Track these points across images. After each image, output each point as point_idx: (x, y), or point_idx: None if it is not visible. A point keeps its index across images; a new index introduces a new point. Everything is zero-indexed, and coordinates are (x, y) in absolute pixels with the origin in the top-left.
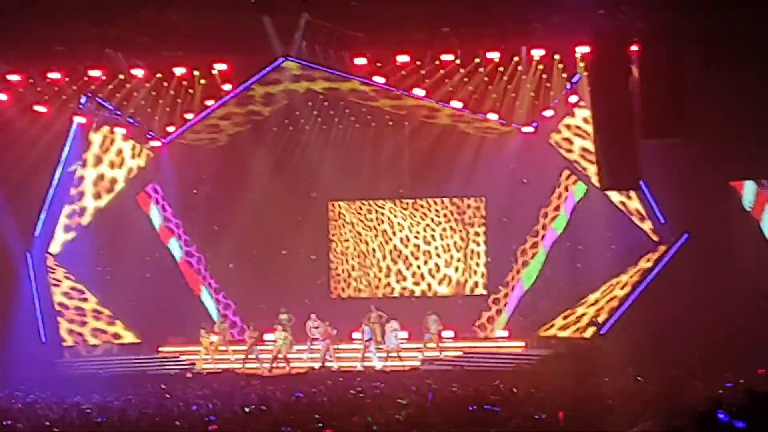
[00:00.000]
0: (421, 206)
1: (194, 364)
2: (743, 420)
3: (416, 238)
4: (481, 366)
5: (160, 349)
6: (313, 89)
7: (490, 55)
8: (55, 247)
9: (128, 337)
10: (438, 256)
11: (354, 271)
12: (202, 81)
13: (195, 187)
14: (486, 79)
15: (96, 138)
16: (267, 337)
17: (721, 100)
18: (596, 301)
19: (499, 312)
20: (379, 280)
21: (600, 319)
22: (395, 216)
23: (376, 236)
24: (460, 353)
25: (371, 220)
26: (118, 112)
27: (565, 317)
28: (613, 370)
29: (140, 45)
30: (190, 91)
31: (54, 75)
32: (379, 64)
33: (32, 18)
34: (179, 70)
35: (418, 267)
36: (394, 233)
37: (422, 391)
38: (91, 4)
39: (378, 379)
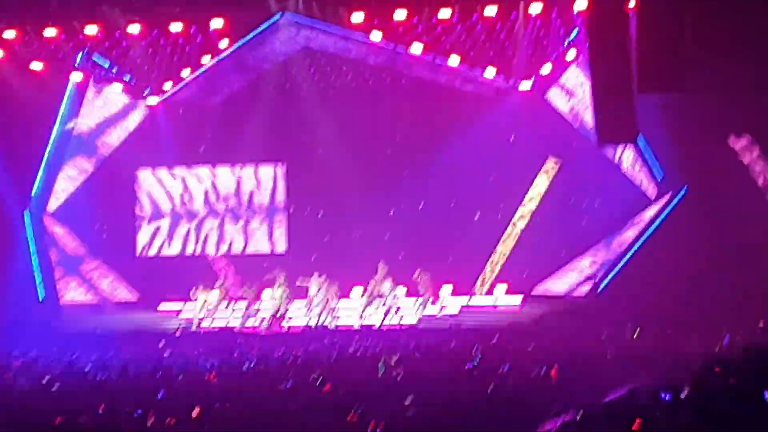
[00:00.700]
0: None
1: (191, 322)
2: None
3: None
4: (478, 323)
5: (159, 307)
6: (310, 46)
7: (487, 11)
8: (52, 206)
9: (126, 296)
10: None
11: None
12: (199, 38)
13: (191, 144)
14: (483, 36)
15: (92, 94)
16: (265, 294)
17: (721, 53)
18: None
19: (492, 272)
20: None
21: (597, 277)
22: None
23: None
24: (457, 310)
25: None
26: (114, 70)
27: (562, 273)
28: (611, 327)
29: (136, 1)
30: (187, 48)
31: (50, 32)
32: (376, 21)
33: None
34: (176, 27)
35: None
36: None
37: (420, 348)
38: None
39: (375, 337)
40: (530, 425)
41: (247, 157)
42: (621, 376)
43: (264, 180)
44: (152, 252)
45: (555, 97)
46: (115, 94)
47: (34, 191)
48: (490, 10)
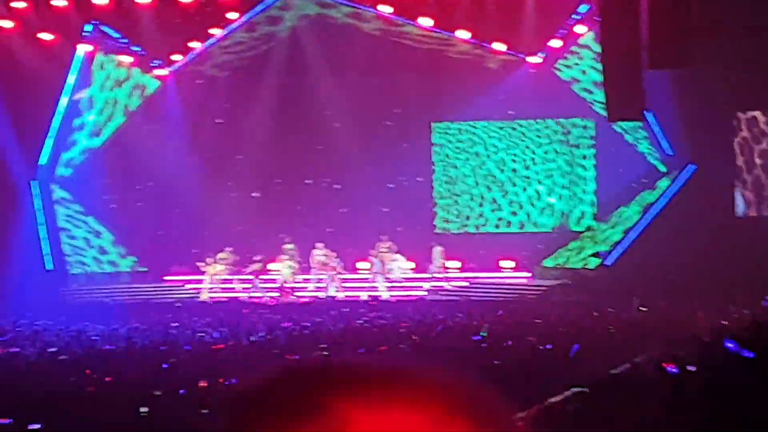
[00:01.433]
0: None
1: (197, 292)
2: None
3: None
4: (486, 297)
5: (165, 277)
6: (320, 18)
7: None
8: (60, 175)
9: (133, 266)
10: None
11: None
12: (208, 8)
13: (200, 115)
14: (493, 8)
15: (101, 66)
16: (271, 266)
17: (730, 30)
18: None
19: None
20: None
21: (604, 251)
22: None
23: None
24: (466, 284)
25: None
26: (124, 40)
27: (571, 248)
28: (618, 301)
29: None
30: (196, 19)
31: (59, 2)
32: None
33: None
34: None
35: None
36: None
37: (428, 322)
38: None
39: (383, 309)
40: (536, 398)
41: (257, 127)
42: (627, 350)
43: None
44: (161, 223)
45: (564, 70)
46: (124, 65)
47: (42, 161)
48: None
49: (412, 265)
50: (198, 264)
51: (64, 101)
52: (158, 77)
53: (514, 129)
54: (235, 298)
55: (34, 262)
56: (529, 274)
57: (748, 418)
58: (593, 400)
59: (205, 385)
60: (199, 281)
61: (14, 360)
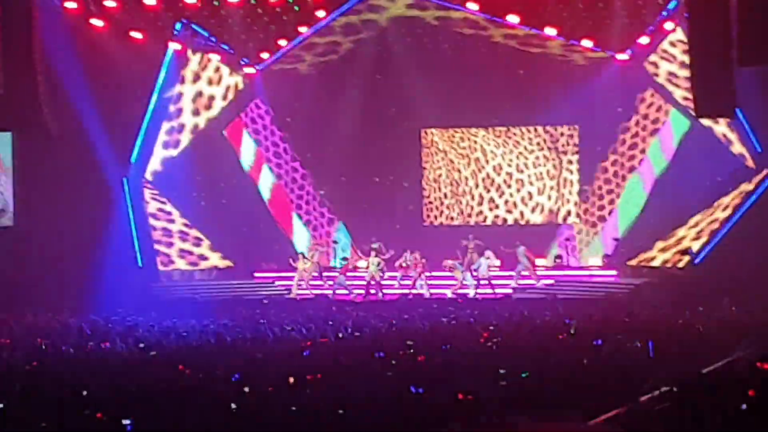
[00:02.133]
0: (514, 134)
1: (287, 289)
2: None
3: (509, 166)
4: (573, 295)
5: (255, 274)
6: (406, 15)
7: None
8: (151, 173)
9: (223, 263)
10: (531, 184)
11: (447, 199)
12: (296, 7)
13: (288, 114)
14: (581, 5)
15: (192, 64)
16: (360, 263)
17: None
18: (696, 224)
19: (590, 241)
20: (472, 208)
21: (694, 249)
22: (488, 144)
23: (468, 164)
24: (552, 282)
25: (464, 148)
26: (213, 39)
27: (659, 246)
28: (708, 300)
29: None
30: (284, 17)
31: (149, 1)
32: None
33: None
34: None
35: (511, 195)
36: (487, 161)
37: (513, 319)
38: None
39: (470, 307)
40: (626, 397)
41: (344, 125)
42: (718, 349)
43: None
44: (251, 219)
45: (653, 67)
46: (213, 63)
47: (133, 158)
48: None
49: (498, 262)
50: (290, 260)
51: (154, 98)
52: (246, 75)
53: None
54: (323, 295)
55: (125, 258)
56: (616, 272)
57: None
58: (683, 399)
59: (294, 381)
60: (289, 278)
61: (106, 356)
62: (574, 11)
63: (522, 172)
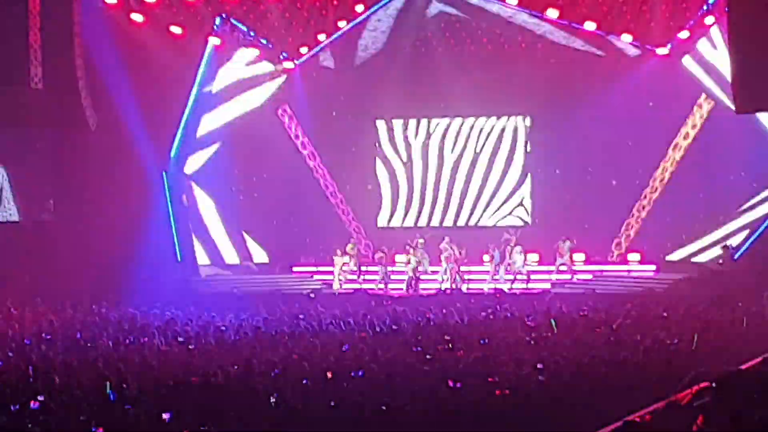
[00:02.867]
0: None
1: (326, 284)
2: None
3: None
4: (611, 289)
5: (294, 268)
6: (446, 11)
7: None
8: (190, 167)
9: (262, 257)
10: None
11: None
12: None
13: (328, 109)
14: (620, 1)
15: (232, 58)
16: (399, 258)
17: None
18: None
19: (629, 236)
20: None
21: (733, 244)
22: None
23: None
24: (590, 276)
25: None
26: (252, 33)
27: (699, 242)
28: (747, 296)
29: None
30: (323, 12)
31: None
32: None
33: None
34: None
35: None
36: None
37: (552, 314)
38: None
39: (508, 302)
40: (664, 392)
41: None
42: (757, 345)
43: (399, 143)
44: (288, 215)
45: (692, 62)
46: (252, 58)
47: (172, 153)
48: None
49: (536, 257)
50: (331, 256)
51: (194, 93)
52: (285, 70)
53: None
54: (362, 289)
55: (164, 252)
56: (655, 268)
57: None
58: (721, 395)
59: (332, 376)
60: (328, 272)
61: (145, 350)
62: (613, 6)
63: None
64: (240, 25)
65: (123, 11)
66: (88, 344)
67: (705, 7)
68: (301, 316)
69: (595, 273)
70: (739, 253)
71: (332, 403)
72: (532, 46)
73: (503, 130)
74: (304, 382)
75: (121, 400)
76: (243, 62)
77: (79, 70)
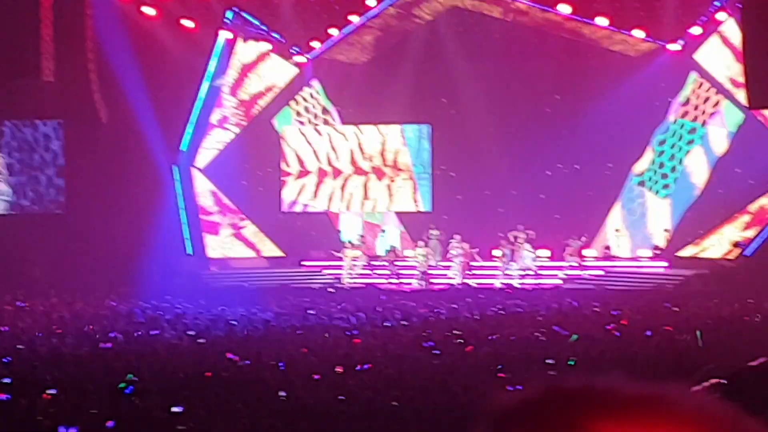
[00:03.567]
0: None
1: (338, 278)
2: None
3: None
4: (622, 286)
5: (303, 263)
6: (459, 6)
7: None
8: (201, 161)
9: (272, 251)
10: None
11: None
12: None
13: (338, 104)
14: None
15: (243, 52)
16: (409, 253)
17: None
18: (748, 216)
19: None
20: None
21: (744, 241)
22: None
23: None
24: (602, 272)
25: None
26: (264, 27)
27: (710, 238)
28: (758, 292)
29: None
30: (335, 7)
31: None
32: None
33: None
34: None
35: None
36: None
37: (563, 309)
38: None
39: (518, 297)
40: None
41: (393, 116)
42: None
43: (409, 139)
44: (298, 208)
45: (704, 58)
46: (263, 52)
47: (183, 146)
48: None
49: (548, 253)
50: (340, 250)
51: (204, 87)
52: (297, 64)
53: None
54: (372, 283)
55: (175, 246)
56: (666, 264)
57: None
58: (730, 392)
59: (342, 370)
60: (337, 267)
61: (155, 343)
62: (625, 1)
63: None
64: (251, 19)
65: (135, 4)
66: (99, 337)
67: (717, 3)
68: (311, 311)
69: (606, 269)
70: (750, 248)
71: (341, 398)
72: (544, 42)
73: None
74: (314, 376)
75: (133, 393)
76: (255, 55)
77: (90, 64)
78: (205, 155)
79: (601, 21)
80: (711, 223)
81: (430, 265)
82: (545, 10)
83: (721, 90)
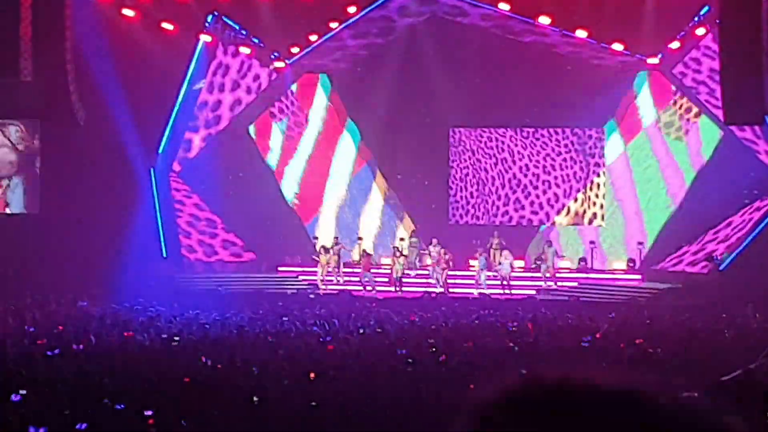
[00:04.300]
0: (542, 135)
1: (311, 284)
2: None
3: (535, 167)
4: (596, 298)
5: (279, 268)
6: (438, 14)
7: None
8: (178, 164)
9: (247, 256)
10: (557, 186)
11: (472, 199)
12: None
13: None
14: (612, 8)
15: (222, 56)
16: (384, 260)
17: None
18: (723, 230)
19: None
20: (498, 208)
21: (719, 256)
22: (515, 145)
23: (495, 164)
24: (575, 284)
25: (491, 147)
26: (243, 32)
27: (685, 252)
28: (731, 307)
29: None
30: (315, 13)
31: None
32: None
33: None
34: None
35: (537, 196)
36: (514, 162)
37: (537, 321)
38: None
39: (493, 307)
40: None
41: (370, 124)
42: (740, 356)
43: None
44: (275, 214)
45: (683, 72)
46: (243, 57)
47: (160, 149)
48: None
49: (521, 263)
50: (313, 256)
51: (183, 90)
52: (276, 69)
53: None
54: (347, 290)
55: (150, 249)
56: (640, 277)
57: None
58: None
59: (314, 376)
60: (313, 273)
61: (128, 346)
62: (605, 14)
63: (549, 174)
64: (232, 23)
65: (115, 6)
66: (71, 339)
67: (696, 18)
68: (285, 318)
69: (580, 281)
70: (724, 263)
71: (314, 404)
72: (523, 53)
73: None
74: (287, 382)
75: (103, 395)
76: (234, 60)
77: (69, 64)
78: (182, 158)
79: (581, 33)
80: (686, 237)
81: (405, 273)
82: (525, 21)
83: (698, 105)
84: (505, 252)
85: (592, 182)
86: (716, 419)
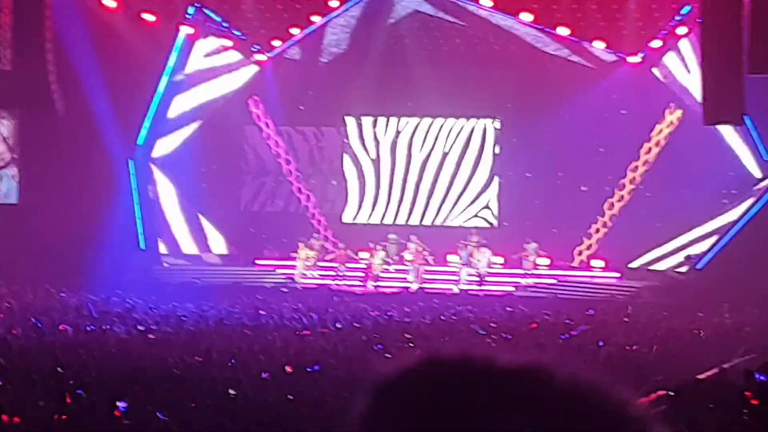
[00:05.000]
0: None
1: (291, 278)
2: None
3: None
4: (574, 295)
5: (257, 261)
6: (421, 10)
7: None
8: (157, 155)
9: (226, 249)
10: None
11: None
12: None
13: (299, 102)
14: (594, 6)
15: (203, 48)
16: (363, 255)
17: None
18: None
19: (592, 244)
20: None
21: (694, 254)
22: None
23: None
24: (554, 281)
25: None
26: (225, 24)
27: (662, 250)
28: (708, 305)
29: None
30: (297, 6)
31: None
32: None
33: None
34: None
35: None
36: None
37: (516, 317)
38: None
39: (471, 303)
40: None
41: (353, 114)
42: (716, 355)
43: (367, 140)
44: (255, 208)
45: (663, 71)
46: (224, 49)
47: (140, 140)
48: None
49: (501, 260)
50: (292, 250)
51: (163, 82)
52: (257, 62)
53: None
54: (325, 284)
55: (128, 240)
56: (618, 275)
57: None
58: (679, 403)
59: (291, 370)
60: (291, 267)
61: (104, 337)
62: (587, 12)
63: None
64: (213, 15)
65: None
66: (47, 329)
67: (678, 18)
68: (262, 311)
69: (559, 278)
70: (701, 262)
71: (290, 397)
72: (505, 48)
73: (472, 131)
74: (263, 375)
75: (77, 386)
76: (215, 52)
77: (48, 54)
78: (162, 150)
79: (563, 31)
80: (664, 235)
81: (384, 269)
82: (508, 18)
83: (679, 104)
84: (483, 249)
85: None
86: (612, 396)
